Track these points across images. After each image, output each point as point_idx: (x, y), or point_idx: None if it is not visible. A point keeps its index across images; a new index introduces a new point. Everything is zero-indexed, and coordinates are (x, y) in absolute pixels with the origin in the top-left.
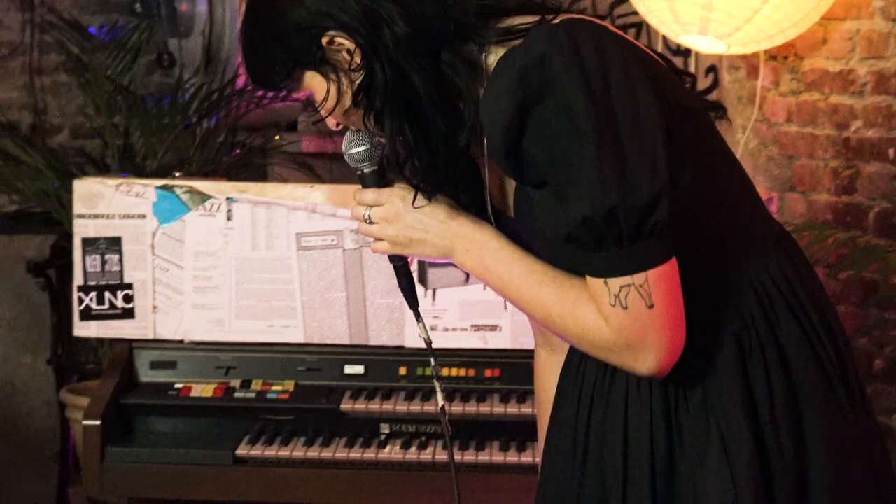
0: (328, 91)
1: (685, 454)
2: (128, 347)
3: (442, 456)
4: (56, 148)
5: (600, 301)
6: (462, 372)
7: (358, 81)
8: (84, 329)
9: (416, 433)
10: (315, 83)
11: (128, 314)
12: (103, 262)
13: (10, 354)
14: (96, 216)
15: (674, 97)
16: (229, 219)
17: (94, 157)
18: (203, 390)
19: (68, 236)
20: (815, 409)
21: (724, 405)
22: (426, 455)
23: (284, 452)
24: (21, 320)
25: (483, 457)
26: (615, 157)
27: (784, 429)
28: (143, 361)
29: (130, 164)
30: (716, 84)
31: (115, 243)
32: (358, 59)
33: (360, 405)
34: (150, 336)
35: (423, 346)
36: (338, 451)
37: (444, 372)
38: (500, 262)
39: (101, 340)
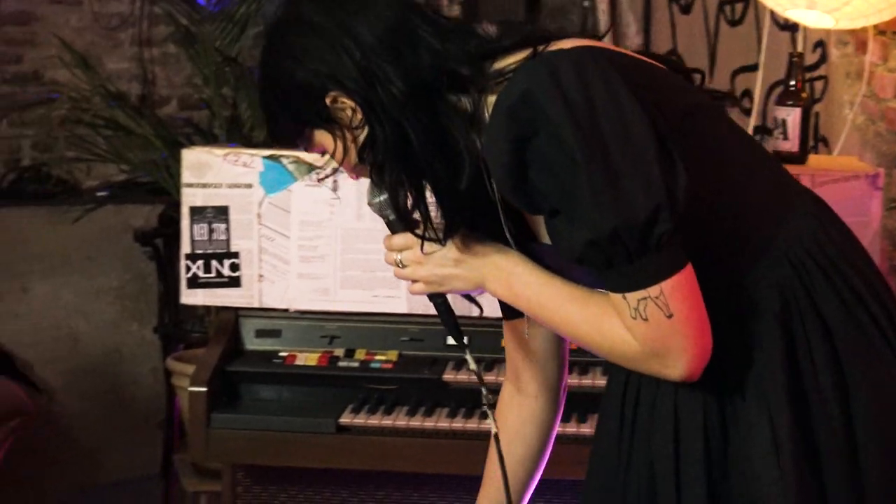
0: (334, 148)
1: (737, 437)
2: (234, 315)
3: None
4: (165, 118)
5: (622, 315)
6: None
7: (361, 138)
8: (191, 297)
9: None
10: (325, 140)
11: (234, 283)
12: (210, 231)
13: (118, 323)
14: (204, 185)
15: (670, 102)
16: (335, 189)
17: (202, 127)
18: (307, 359)
19: (176, 206)
20: (861, 375)
21: (773, 384)
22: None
23: (387, 421)
24: (128, 289)
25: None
26: (607, 178)
27: (831, 400)
28: (248, 329)
29: (238, 135)
30: (823, 59)
31: (222, 212)
32: (359, 117)
33: (463, 376)
34: (256, 304)
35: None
36: (440, 421)
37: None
38: (527, 286)
39: (207, 309)
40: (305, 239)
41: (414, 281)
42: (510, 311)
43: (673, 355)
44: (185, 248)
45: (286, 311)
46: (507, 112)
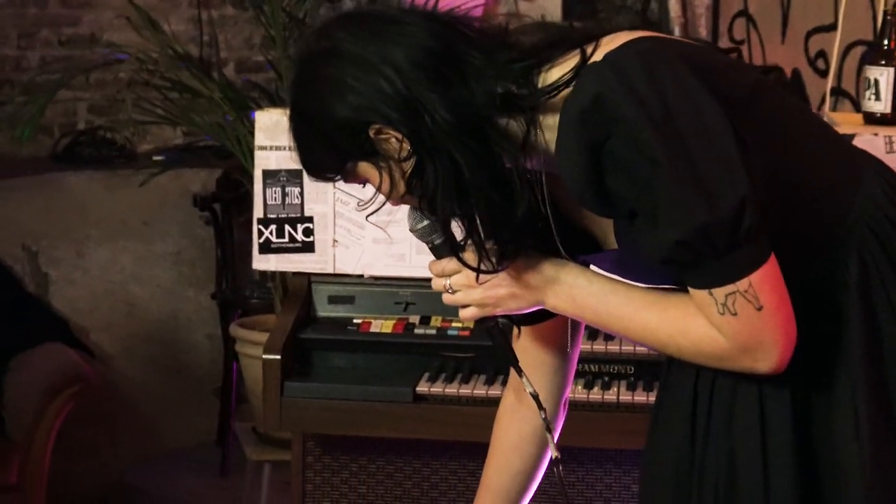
0: (381, 180)
1: (823, 423)
2: (306, 281)
3: (626, 397)
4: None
5: (709, 312)
6: None
7: (409, 169)
8: (263, 262)
9: (598, 373)
10: (369, 173)
11: (307, 248)
12: (284, 195)
13: (175, 288)
14: (278, 148)
15: (735, 84)
16: None
17: (268, 90)
18: (382, 326)
19: (235, 170)
20: None
21: (855, 363)
22: (610, 395)
23: (465, 391)
24: (186, 255)
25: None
26: (691, 175)
27: None
28: (321, 296)
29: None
30: None
31: (296, 176)
32: (406, 148)
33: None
34: (330, 270)
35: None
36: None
37: None
38: (592, 296)
39: (264, 275)
40: (381, 203)
41: (465, 305)
42: (523, 316)
43: (765, 348)
44: (258, 212)
45: (360, 276)
46: (579, 119)
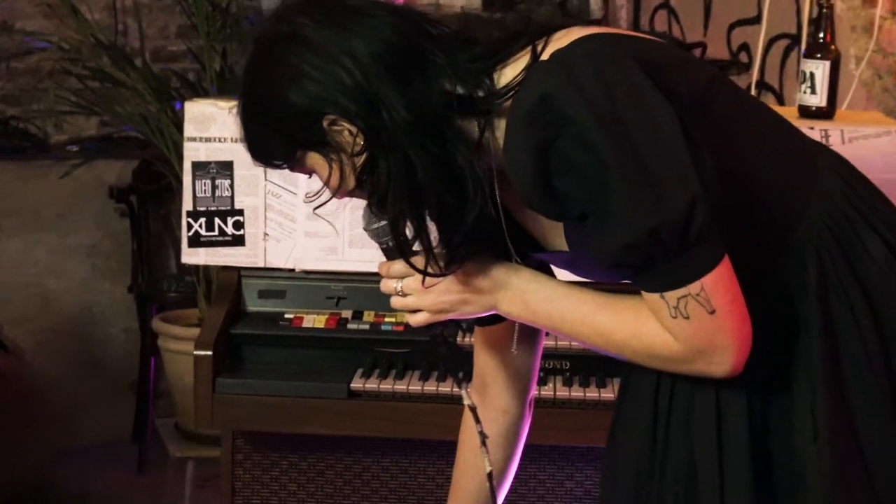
0: (330, 173)
1: (780, 424)
2: (236, 275)
3: (563, 392)
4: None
5: (661, 315)
6: None
7: (360, 164)
8: (192, 256)
9: None
10: (317, 164)
11: (238, 241)
12: (213, 188)
13: (90, 282)
14: (207, 139)
15: (688, 80)
16: None
17: (191, 80)
18: (314, 321)
19: (156, 161)
20: None
21: (813, 364)
22: (547, 391)
23: (400, 386)
24: (101, 247)
25: (606, 394)
26: (640, 176)
27: (877, 369)
28: (251, 290)
29: (232, 88)
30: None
31: (226, 168)
32: (360, 142)
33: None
34: (261, 264)
35: None
36: (456, 387)
37: None
38: (544, 301)
39: (185, 268)
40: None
41: (415, 311)
42: (485, 318)
43: (719, 352)
44: (187, 204)
45: (292, 270)
46: (525, 118)
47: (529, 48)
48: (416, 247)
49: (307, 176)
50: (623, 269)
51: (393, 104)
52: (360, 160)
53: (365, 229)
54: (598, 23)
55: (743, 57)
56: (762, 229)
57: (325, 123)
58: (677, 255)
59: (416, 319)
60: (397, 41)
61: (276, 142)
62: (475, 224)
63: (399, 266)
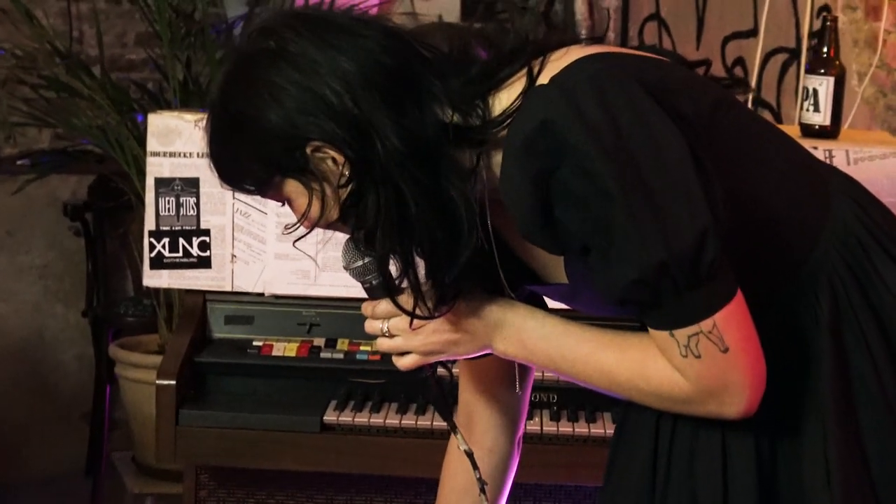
0: (310, 203)
1: (789, 466)
2: (201, 300)
3: (550, 427)
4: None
5: (670, 354)
6: None
7: (345, 195)
8: (155, 278)
9: None
10: (295, 192)
11: (203, 263)
12: (178, 206)
13: (41, 305)
14: (172, 154)
15: (695, 103)
16: None
17: (152, 91)
18: (285, 349)
19: (115, 177)
20: None
21: (826, 403)
22: (533, 426)
23: (376, 420)
24: (53, 268)
25: (596, 429)
26: (647, 208)
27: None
28: (217, 316)
29: (197, 101)
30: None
31: (191, 185)
32: (346, 172)
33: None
34: (228, 288)
35: None
36: (436, 420)
37: None
38: (542, 340)
39: (144, 292)
40: (285, 215)
41: (403, 353)
42: None
43: (732, 392)
44: (150, 224)
45: (261, 295)
46: (523, 147)
47: (525, 70)
48: (403, 284)
49: (281, 204)
50: (629, 306)
51: (385, 132)
52: (345, 191)
53: (346, 268)
54: (598, 41)
55: (738, 72)
56: (771, 258)
57: (308, 149)
58: (687, 290)
59: (405, 363)
60: (390, 64)
61: (250, 165)
62: (468, 262)
63: (385, 306)
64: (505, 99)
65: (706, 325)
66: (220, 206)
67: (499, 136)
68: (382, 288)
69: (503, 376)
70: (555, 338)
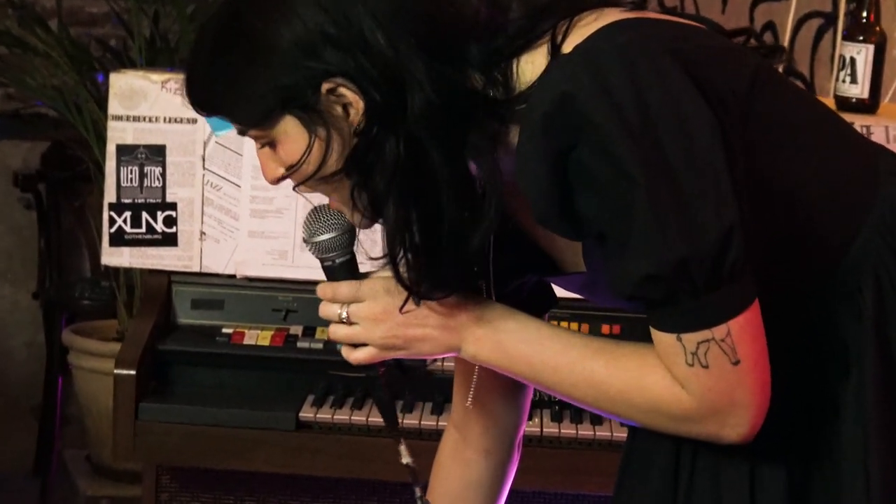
0: (309, 148)
1: (820, 471)
2: (166, 281)
3: (551, 429)
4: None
5: (674, 361)
6: (574, 327)
7: (356, 147)
8: (114, 257)
9: None
10: (293, 134)
11: (169, 240)
12: (141, 176)
13: None
14: (136, 119)
15: (733, 77)
16: None
17: (115, 48)
18: (258, 337)
19: (64, 145)
20: None
21: (867, 409)
22: (532, 427)
23: (358, 417)
24: (1, 244)
25: (602, 432)
26: (672, 197)
27: None
28: (183, 299)
29: (164, 59)
30: None
31: (157, 153)
32: (360, 118)
33: (450, 364)
34: (196, 269)
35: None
36: (424, 419)
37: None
38: (525, 343)
39: (104, 272)
40: (260, 189)
41: (360, 344)
42: None
43: (736, 411)
44: (110, 196)
45: (232, 277)
46: (541, 123)
47: (550, 35)
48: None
49: (258, 146)
50: (638, 302)
51: (421, 81)
52: (354, 141)
53: (307, 241)
54: (637, 6)
55: (767, 38)
56: (809, 249)
57: (325, 86)
58: (706, 291)
59: (359, 356)
60: (428, 11)
61: (248, 90)
62: (481, 243)
63: (347, 288)
64: (528, 69)
65: (719, 331)
66: (188, 177)
67: (516, 110)
68: (345, 268)
69: (500, 379)
70: (538, 341)
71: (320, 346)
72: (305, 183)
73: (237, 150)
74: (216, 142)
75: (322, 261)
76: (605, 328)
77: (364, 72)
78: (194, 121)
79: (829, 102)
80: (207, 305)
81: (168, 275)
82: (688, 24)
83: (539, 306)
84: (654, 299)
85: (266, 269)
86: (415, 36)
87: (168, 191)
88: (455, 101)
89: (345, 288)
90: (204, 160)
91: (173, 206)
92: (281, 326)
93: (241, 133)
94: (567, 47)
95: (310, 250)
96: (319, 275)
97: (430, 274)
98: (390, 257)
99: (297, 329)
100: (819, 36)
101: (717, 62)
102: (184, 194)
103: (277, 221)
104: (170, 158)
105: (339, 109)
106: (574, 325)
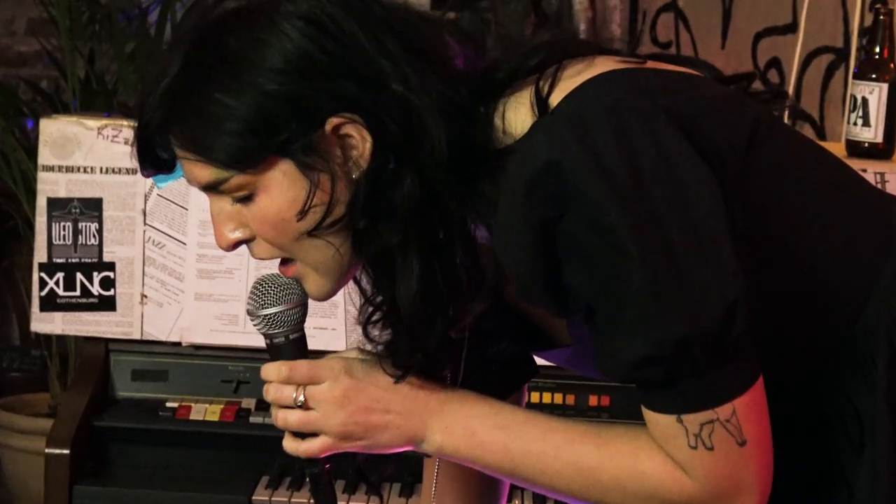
0: (309, 200)
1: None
2: (104, 350)
3: None
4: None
5: (675, 444)
6: (559, 398)
7: (366, 192)
8: (45, 323)
9: None
10: (286, 182)
11: (106, 304)
12: (76, 233)
13: None
14: (69, 169)
15: (731, 132)
16: None
17: (47, 91)
18: (206, 412)
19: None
20: None
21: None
22: None
23: None
24: None
25: None
26: (670, 270)
27: None
28: (123, 370)
29: (101, 103)
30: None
31: (93, 207)
32: (370, 162)
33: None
34: (136, 336)
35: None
36: (391, 501)
37: (536, 398)
38: (501, 428)
39: (34, 340)
40: (208, 246)
41: (312, 434)
42: None
43: (742, 494)
44: (40, 255)
45: (178, 344)
46: (525, 190)
47: (531, 86)
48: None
49: (218, 200)
50: (637, 384)
51: (437, 122)
52: (354, 187)
53: (253, 313)
54: (641, 60)
55: (772, 76)
56: (819, 315)
57: (328, 126)
58: (708, 370)
59: (311, 447)
60: (432, 45)
61: (235, 126)
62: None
63: (306, 368)
64: (512, 118)
65: (724, 411)
66: (127, 233)
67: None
68: (295, 344)
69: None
70: (515, 426)
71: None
72: (283, 243)
73: (182, 203)
74: (158, 194)
75: (271, 337)
76: (594, 399)
77: (379, 106)
78: (134, 171)
79: (840, 147)
80: (149, 376)
81: (105, 343)
82: (682, 71)
83: (518, 377)
84: (651, 380)
85: (214, 335)
86: (428, 69)
87: (105, 249)
88: (468, 141)
89: (303, 367)
90: (145, 215)
91: (111, 267)
92: (231, 399)
93: (210, 187)
94: (554, 99)
95: (256, 324)
96: None
97: (416, 338)
98: (364, 317)
99: (249, 402)
100: (829, 74)
101: (715, 114)
102: (123, 253)
103: (227, 283)
104: (107, 213)
105: (338, 151)
106: (559, 396)
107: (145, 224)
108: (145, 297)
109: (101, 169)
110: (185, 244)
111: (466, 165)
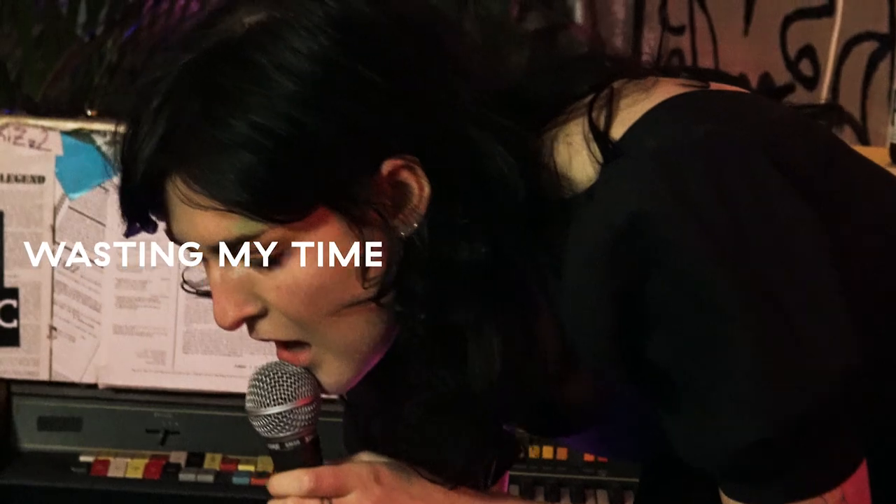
0: (352, 252)
1: None
2: (4, 393)
3: None
4: None
5: None
6: (549, 453)
7: (430, 249)
8: None
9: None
10: (328, 239)
11: (7, 339)
12: None
13: None
14: None
15: (817, 173)
16: None
17: None
18: (128, 467)
19: None
20: None
21: None
22: None
23: None
24: None
25: None
26: (784, 339)
27: None
28: (27, 417)
29: (2, 97)
30: None
31: None
32: (422, 213)
33: None
34: (44, 376)
35: None
36: None
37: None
38: None
39: None
40: (129, 270)
41: None
42: None
43: None
44: None
45: (93, 387)
46: (608, 248)
47: (581, 116)
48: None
49: (231, 265)
50: (730, 478)
51: (504, 160)
52: (399, 249)
53: (255, 413)
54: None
55: (804, 67)
56: None
57: (385, 169)
58: (820, 450)
59: None
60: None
61: (279, 170)
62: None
63: (331, 477)
64: (565, 153)
65: (834, 497)
66: (33, 254)
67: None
68: (311, 448)
69: None
70: None
71: (210, 478)
72: (311, 319)
73: (98, 217)
74: (70, 207)
75: (281, 442)
76: (589, 455)
77: (437, 143)
78: (41, 179)
79: (883, 153)
80: (60, 425)
81: (7, 384)
82: (743, 92)
83: (502, 461)
84: (759, 468)
85: (137, 376)
86: (478, 93)
87: (6, 273)
88: (535, 186)
89: (328, 476)
90: (54, 231)
91: (13, 294)
92: (158, 453)
93: (230, 245)
94: (614, 133)
95: (259, 426)
96: (207, 384)
97: (484, 434)
98: (412, 415)
99: (178, 456)
100: (872, 65)
101: (796, 143)
102: (27, 277)
103: (152, 313)
104: (8, 229)
105: (388, 202)
106: (548, 450)
107: (54, 242)
108: (54, 329)
109: (2, 177)
110: (102, 268)
111: (534, 218)
